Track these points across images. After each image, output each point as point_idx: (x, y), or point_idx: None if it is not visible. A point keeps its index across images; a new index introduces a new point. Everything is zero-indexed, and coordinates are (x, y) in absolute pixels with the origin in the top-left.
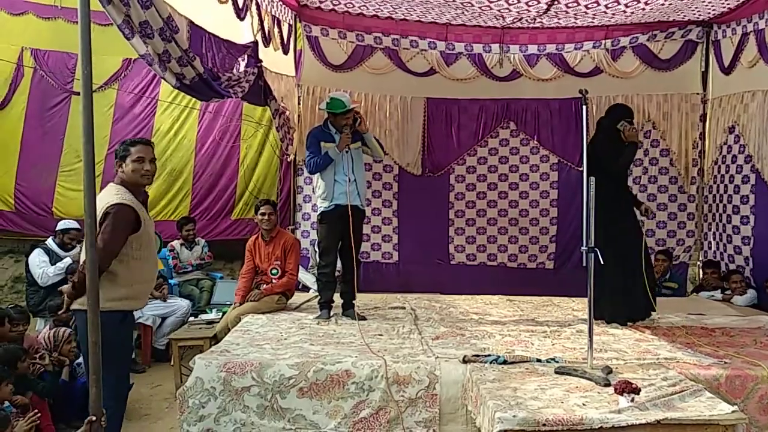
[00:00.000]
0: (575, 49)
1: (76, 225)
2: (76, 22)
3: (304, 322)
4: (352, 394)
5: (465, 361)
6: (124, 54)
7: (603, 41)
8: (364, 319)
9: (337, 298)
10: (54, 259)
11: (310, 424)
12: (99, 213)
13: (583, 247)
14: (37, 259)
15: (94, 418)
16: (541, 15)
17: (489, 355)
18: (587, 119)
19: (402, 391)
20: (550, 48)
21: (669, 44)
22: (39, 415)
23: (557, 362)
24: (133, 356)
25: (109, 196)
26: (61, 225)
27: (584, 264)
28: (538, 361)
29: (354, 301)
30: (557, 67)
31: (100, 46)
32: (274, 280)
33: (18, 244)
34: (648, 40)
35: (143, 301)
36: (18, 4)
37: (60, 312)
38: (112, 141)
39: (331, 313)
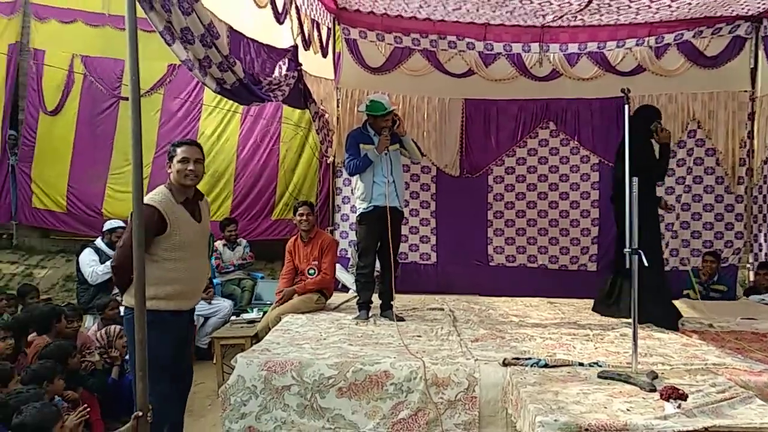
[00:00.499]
0: (617, 47)
1: (121, 224)
2: (124, 29)
3: (342, 322)
4: (391, 395)
5: (505, 363)
6: (170, 59)
7: (646, 38)
8: (402, 320)
9: (376, 299)
10: (103, 258)
11: (349, 424)
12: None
13: (627, 249)
14: (87, 258)
15: (140, 413)
16: (582, 9)
17: (530, 358)
18: (629, 118)
19: (441, 393)
20: (591, 46)
21: (716, 41)
22: (88, 409)
23: (600, 366)
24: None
25: (145, 198)
26: (108, 225)
27: (628, 266)
28: (581, 364)
29: (392, 302)
30: (598, 65)
31: (147, 52)
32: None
33: (69, 244)
34: (693, 36)
35: (181, 302)
36: (68, 12)
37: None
38: (158, 144)
39: (370, 314)
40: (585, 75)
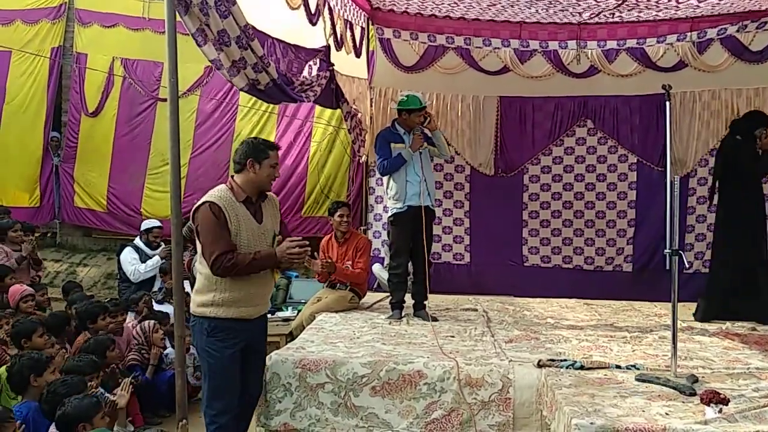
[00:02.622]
0: (658, 42)
1: (158, 224)
2: (163, 32)
3: (376, 321)
4: (424, 395)
5: (540, 365)
6: (206, 62)
7: (688, 34)
8: (435, 320)
9: (409, 299)
10: (143, 256)
11: (382, 423)
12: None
13: (667, 250)
14: (128, 257)
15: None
16: (620, 5)
17: (565, 360)
18: (671, 116)
19: (474, 394)
20: (631, 42)
21: (761, 35)
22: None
23: (638, 369)
24: None
25: (204, 197)
26: (145, 224)
27: (667, 267)
28: (618, 367)
29: (425, 302)
30: (638, 61)
31: (184, 55)
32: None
33: (109, 243)
34: (738, 31)
35: (243, 309)
36: (110, 17)
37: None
38: (195, 145)
39: (403, 314)
40: (624, 71)
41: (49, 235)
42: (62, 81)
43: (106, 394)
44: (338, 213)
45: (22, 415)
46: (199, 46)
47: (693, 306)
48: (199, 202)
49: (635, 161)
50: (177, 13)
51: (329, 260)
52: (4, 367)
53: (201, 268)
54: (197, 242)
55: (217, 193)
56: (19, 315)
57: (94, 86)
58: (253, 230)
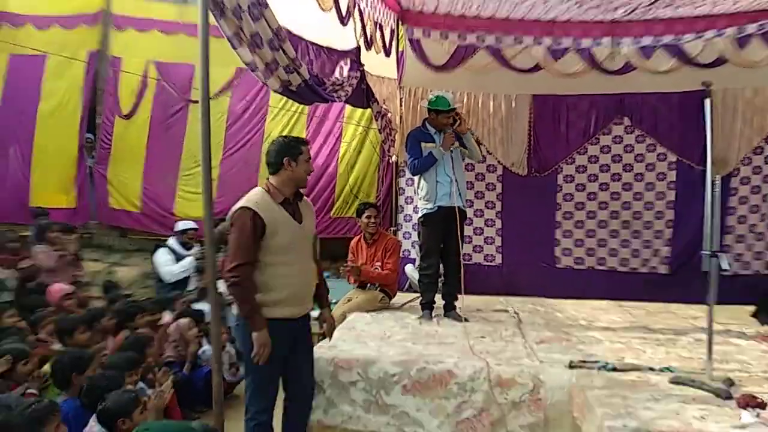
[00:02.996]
0: (696, 38)
1: (193, 225)
2: (196, 35)
3: (406, 321)
4: (455, 394)
5: (572, 366)
6: (237, 63)
7: (727, 29)
8: (466, 320)
9: (439, 300)
10: (177, 257)
11: (413, 421)
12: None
13: (705, 251)
14: (162, 258)
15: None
16: (654, 2)
17: (597, 362)
18: (711, 113)
19: (505, 394)
20: (667, 38)
21: None
22: (168, 395)
23: (672, 372)
24: None
25: (240, 201)
26: (179, 226)
27: (704, 269)
28: (651, 369)
29: (456, 303)
30: (676, 58)
31: (216, 57)
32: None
33: (145, 243)
34: None
35: (288, 310)
36: (146, 22)
37: None
38: (226, 146)
39: (433, 315)
40: (661, 68)
41: (86, 236)
42: (97, 84)
43: (147, 390)
44: (365, 215)
45: (64, 413)
46: (235, 48)
47: (730, 309)
48: (236, 206)
49: (675, 160)
50: (212, 17)
51: (352, 264)
52: (48, 364)
53: None
54: None
55: (253, 198)
56: (61, 313)
57: (128, 89)
58: (294, 230)
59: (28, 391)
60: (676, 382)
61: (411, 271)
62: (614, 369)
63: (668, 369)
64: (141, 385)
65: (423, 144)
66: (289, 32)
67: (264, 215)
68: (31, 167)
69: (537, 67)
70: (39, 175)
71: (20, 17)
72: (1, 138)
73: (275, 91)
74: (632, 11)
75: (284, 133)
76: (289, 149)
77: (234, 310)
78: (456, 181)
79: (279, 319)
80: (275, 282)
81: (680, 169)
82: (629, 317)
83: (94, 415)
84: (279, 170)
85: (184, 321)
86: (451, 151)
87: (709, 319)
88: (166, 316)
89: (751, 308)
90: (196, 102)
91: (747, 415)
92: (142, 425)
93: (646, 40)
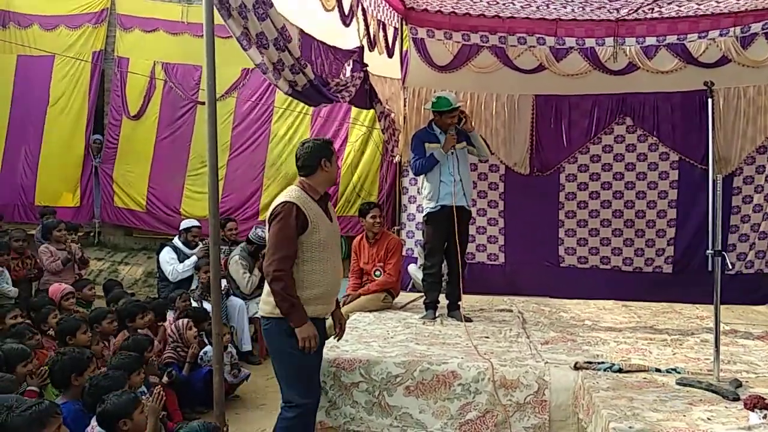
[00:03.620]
0: (699, 38)
1: (196, 223)
2: (201, 36)
3: (409, 321)
4: (459, 396)
5: (577, 367)
6: (243, 64)
7: (731, 29)
8: (470, 320)
9: (443, 300)
10: (181, 256)
11: (416, 423)
12: (267, 215)
13: (709, 251)
14: (167, 257)
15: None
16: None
17: (603, 363)
18: (714, 113)
19: (509, 395)
20: (671, 38)
21: None
22: (164, 394)
23: (679, 373)
24: (250, 349)
25: (279, 198)
26: (184, 224)
27: (710, 268)
28: (657, 370)
29: (460, 303)
30: (679, 57)
31: (222, 57)
32: None
33: (149, 242)
34: None
35: (320, 308)
36: (151, 21)
37: None
38: (232, 147)
39: (437, 314)
40: (664, 68)
41: (91, 234)
42: (104, 84)
43: (146, 392)
44: (370, 214)
45: (62, 416)
46: (245, 49)
47: (736, 308)
48: (278, 202)
49: (677, 159)
50: (219, 17)
51: (351, 293)
52: (46, 363)
53: None
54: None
55: (294, 194)
56: (62, 313)
57: (136, 90)
58: (328, 228)
59: (29, 389)
60: (682, 383)
61: (414, 270)
62: (620, 370)
63: (675, 370)
64: (143, 388)
65: (427, 144)
66: (302, 32)
67: (306, 210)
68: (38, 167)
69: (540, 67)
70: (46, 174)
71: (27, 17)
72: (10, 138)
73: (286, 93)
74: (637, 9)
75: (289, 134)
76: (324, 150)
77: (261, 311)
78: (461, 181)
79: (313, 318)
80: (310, 279)
81: (683, 168)
82: (635, 317)
83: (95, 417)
84: (315, 171)
85: (182, 321)
86: (453, 152)
87: (716, 319)
88: (169, 316)
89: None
90: (203, 103)
91: (755, 417)
92: None
93: (650, 41)
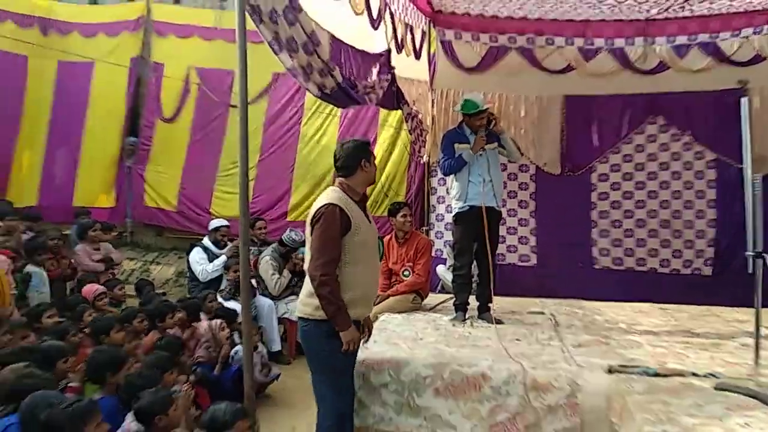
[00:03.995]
0: (732, 36)
1: (225, 223)
2: (234, 41)
3: (439, 323)
4: (489, 397)
5: (610, 371)
6: (274, 68)
7: (765, 26)
8: (500, 322)
9: (473, 301)
10: (210, 256)
11: (446, 424)
12: (310, 217)
13: (749, 252)
14: (196, 257)
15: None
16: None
17: (637, 367)
18: (749, 111)
19: (540, 398)
20: (702, 37)
21: None
22: (192, 392)
23: (717, 378)
24: (279, 349)
25: (321, 199)
26: (213, 224)
27: (750, 270)
28: (694, 375)
29: (490, 305)
30: (711, 56)
31: (253, 62)
32: None
33: (180, 242)
34: None
35: (360, 310)
36: (185, 28)
37: None
38: (263, 149)
39: (467, 316)
40: (696, 67)
41: (124, 234)
42: (140, 89)
43: (178, 390)
44: (401, 213)
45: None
46: (276, 54)
47: None
48: (322, 204)
49: (714, 158)
50: (252, 23)
51: (378, 295)
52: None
53: None
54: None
55: (335, 195)
56: (96, 312)
57: (171, 94)
58: (368, 229)
59: (70, 384)
60: (720, 388)
61: (443, 271)
62: (655, 374)
63: (712, 374)
64: (175, 387)
65: (456, 145)
66: (331, 35)
67: (348, 212)
68: (77, 169)
69: (569, 68)
70: (84, 176)
71: (67, 25)
72: (50, 141)
73: (316, 96)
74: (667, 8)
75: (317, 136)
76: (364, 151)
77: (300, 312)
78: (491, 181)
79: (353, 321)
80: (353, 281)
81: (720, 168)
82: (671, 320)
83: (130, 413)
84: (355, 172)
85: (215, 321)
86: (484, 152)
87: (756, 322)
88: (202, 317)
89: None
90: (235, 106)
91: None
92: None
93: (680, 40)
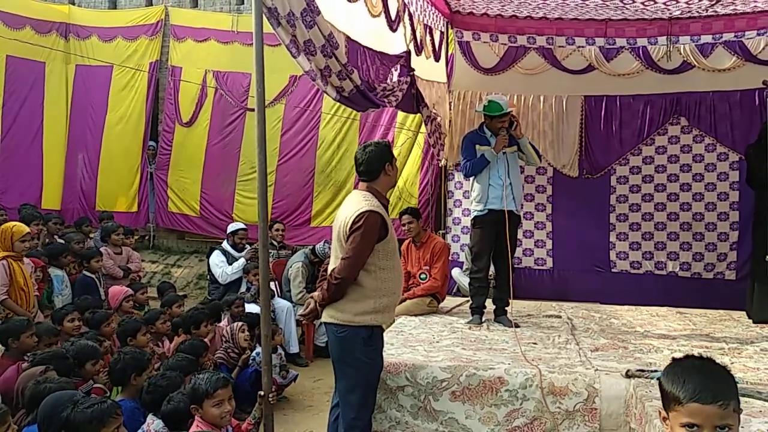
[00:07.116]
0: (758, 35)
1: (242, 226)
2: (251, 45)
3: (455, 326)
4: (506, 402)
5: (628, 375)
6: (291, 71)
7: None
8: (517, 326)
9: (489, 304)
10: (230, 259)
11: (462, 428)
12: (347, 221)
13: None
14: (216, 260)
15: (262, 393)
16: (714, 4)
17: (656, 371)
18: None
19: (558, 403)
20: (728, 36)
21: None
22: None
23: (737, 383)
24: (297, 351)
25: (357, 203)
26: (231, 227)
27: None
28: None
29: (507, 308)
30: (736, 55)
31: (270, 65)
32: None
33: (201, 246)
34: None
35: (390, 315)
36: (203, 32)
37: (305, 316)
38: (281, 152)
39: (483, 319)
40: (721, 66)
41: (146, 237)
42: (159, 93)
43: None
44: (402, 221)
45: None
46: (294, 57)
47: None
48: (363, 210)
49: (737, 159)
50: (269, 26)
51: None
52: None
53: (361, 276)
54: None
55: (373, 202)
56: (121, 315)
57: (188, 98)
58: (393, 234)
59: (95, 386)
60: (741, 393)
61: (458, 275)
62: None
63: None
64: None
65: (477, 146)
66: (348, 38)
67: (385, 219)
68: (98, 172)
69: (589, 68)
70: (104, 180)
71: (86, 29)
72: (70, 145)
73: (334, 99)
74: (689, 11)
75: (338, 140)
76: (387, 154)
77: (335, 318)
78: (510, 185)
79: (380, 327)
80: (387, 287)
81: (743, 169)
82: (690, 325)
83: (151, 414)
84: (379, 176)
85: (236, 324)
86: (505, 155)
87: None
88: (223, 320)
89: None
90: (253, 110)
91: None
92: None
93: (705, 38)
